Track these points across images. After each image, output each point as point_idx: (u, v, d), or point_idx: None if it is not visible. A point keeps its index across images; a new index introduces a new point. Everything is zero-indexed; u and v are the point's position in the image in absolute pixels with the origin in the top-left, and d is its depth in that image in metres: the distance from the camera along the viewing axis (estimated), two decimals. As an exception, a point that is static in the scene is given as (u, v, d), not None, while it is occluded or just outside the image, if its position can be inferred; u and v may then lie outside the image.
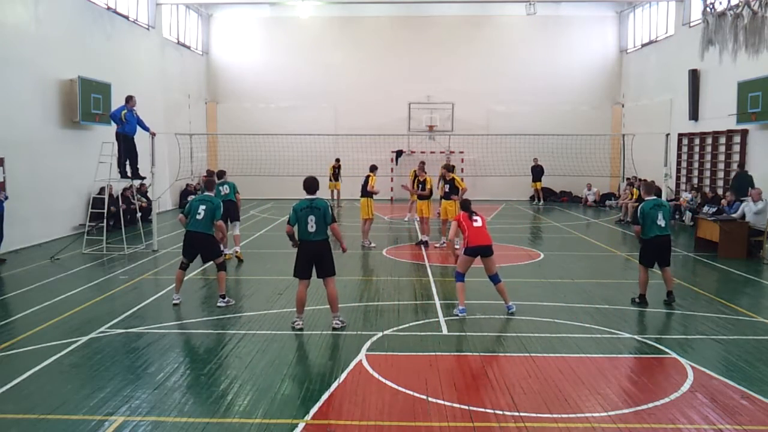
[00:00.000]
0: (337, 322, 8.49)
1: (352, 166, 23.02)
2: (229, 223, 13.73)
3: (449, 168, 15.65)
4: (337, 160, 25.02)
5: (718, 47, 12.50)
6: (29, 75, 15.50)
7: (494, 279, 9.25)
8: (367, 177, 15.38)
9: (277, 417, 5.76)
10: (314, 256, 8.39)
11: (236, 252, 13.48)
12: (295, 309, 8.65)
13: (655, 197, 10.06)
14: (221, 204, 9.91)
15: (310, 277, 8.48)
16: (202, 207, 9.60)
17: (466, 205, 9.52)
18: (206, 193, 10.13)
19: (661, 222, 9.62)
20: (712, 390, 6.46)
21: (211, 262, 10.27)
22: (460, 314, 9.02)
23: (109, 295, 10.49)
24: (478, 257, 9.20)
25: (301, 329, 8.35)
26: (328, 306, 8.61)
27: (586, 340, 8.03)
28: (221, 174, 14.07)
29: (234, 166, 22.86)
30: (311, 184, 8.56)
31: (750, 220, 14.14)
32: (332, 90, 28.65)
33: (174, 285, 9.89)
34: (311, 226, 8.30)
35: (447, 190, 14.97)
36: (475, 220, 9.25)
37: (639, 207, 9.89)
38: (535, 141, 24.84)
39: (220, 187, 13.56)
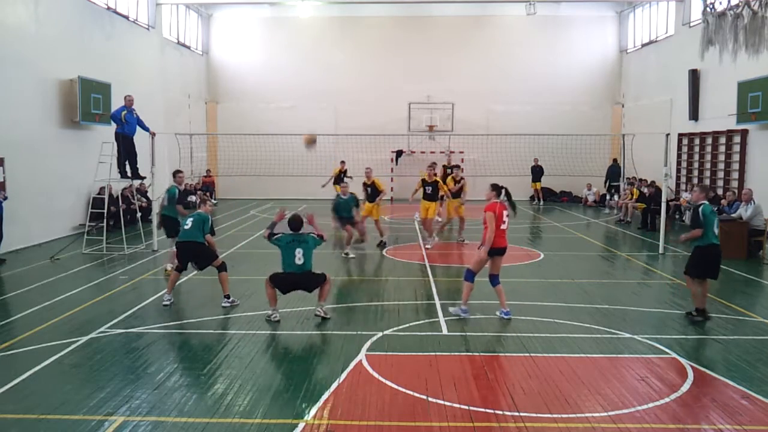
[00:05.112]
0: (320, 310, 8.76)
1: (353, 166, 22.96)
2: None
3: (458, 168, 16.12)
4: (342, 163, 23.31)
5: (718, 47, 12.49)
6: (29, 75, 15.49)
7: (495, 280, 9.00)
8: (374, 183, 15.42)
9: (277, 417, 5.76)
10: (300, 285, 8.82)
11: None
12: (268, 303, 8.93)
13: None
14: (209, 218, 9.86)
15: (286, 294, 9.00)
16: (190, 219, 9.72)
17: (510, 196, 9.11)
18: (198, 211, 10.07)
19: (716, 230, 8.81)
20: (712, 390, 6.47)
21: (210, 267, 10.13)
22: (462, 315, 8.87)
23: (109, 295, 10.49)
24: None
25: (278, 321, 8.66)
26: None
27: (586, 340, 8.03)
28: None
29: (234, 166, 22.91)
30: (294, 222, 8.78)
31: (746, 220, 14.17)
32: (332, 90, 28.64)
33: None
34: (299, 259, 8.61)
35: (455, 190, 15.55)
36: (504, 222, 8.87)
37: (699, 209, 8.80)
38: (535, 141, 24.84)
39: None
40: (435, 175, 15.71)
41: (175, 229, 11.95)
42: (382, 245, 15.18)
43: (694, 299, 9.00)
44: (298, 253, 8.57)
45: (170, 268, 11.69)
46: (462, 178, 16.01)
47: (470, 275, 8.99)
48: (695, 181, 21.29)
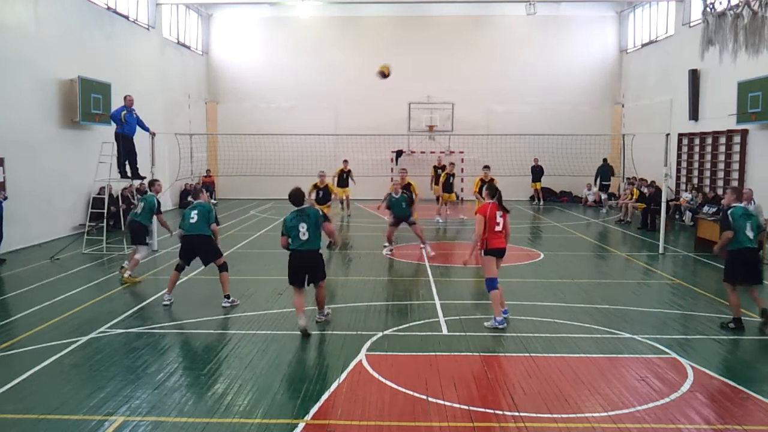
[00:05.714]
0: (321, 316, 8.80)
1: (353, 166, 23.01)
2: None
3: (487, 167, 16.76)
4: (345, 162, 22.58)
5: (718, 47, 12.49)
6: (29, 75, 15.49)
7: None
8: (327, 186, 16.29)
9: (277, 417, 5.76)
10: (306, 267, 8.41)
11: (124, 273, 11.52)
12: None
13: (743, 205, 8.91)
14: (212, 208, 9.88)
15: (305, 286, 8.48)
16: (194, 212, 9.68)
17: (501, 201, 8.63)
18: (197, 201, 10.06)
19: (750, 233, 8.50)
20: (712, 390, 6.46)
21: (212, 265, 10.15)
22: (500, 326, 8.41)
23: (109, 295, 10.49)
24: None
25: (306, 333, 8.15)
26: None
27: (586, 340, 8.03)
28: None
29: (234, 166, 22.89)
30: (294, 197, 8.54)
31: None
32: (332, 90, 28.64)
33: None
34: (303, 234, 8.28)
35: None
36: (498, 223, 8.49)
37: (728, 212, 8.60)
38: (535, 141, 24.83)
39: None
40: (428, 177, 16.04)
41: (143, 237, 11.72)
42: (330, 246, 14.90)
43: (732, 309, 8.64)
44: (302, 227, 8.29)
45: (128, 275, 11.38)
46: (492, 179, 15.93)
47: (490, 282, 8.55)
48: (695, 181, 21.31)
